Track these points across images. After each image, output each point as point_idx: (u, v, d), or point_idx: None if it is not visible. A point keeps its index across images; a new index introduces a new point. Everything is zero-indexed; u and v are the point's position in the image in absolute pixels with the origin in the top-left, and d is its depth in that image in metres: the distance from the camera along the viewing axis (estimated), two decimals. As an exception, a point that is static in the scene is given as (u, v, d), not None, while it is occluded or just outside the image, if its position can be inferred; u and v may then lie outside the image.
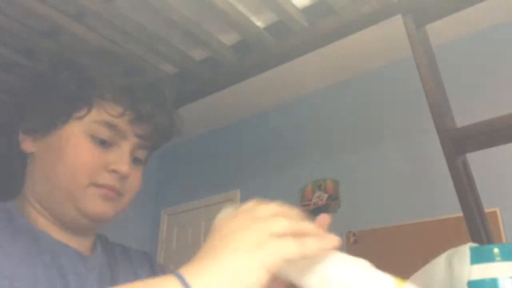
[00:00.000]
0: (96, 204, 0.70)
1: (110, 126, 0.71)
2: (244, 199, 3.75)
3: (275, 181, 3.55)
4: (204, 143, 4.19)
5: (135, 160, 0.75)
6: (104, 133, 0.71)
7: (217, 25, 1.58)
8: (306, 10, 1.53)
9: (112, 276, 0.74)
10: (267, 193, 3.53)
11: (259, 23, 1.59)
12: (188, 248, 3.96)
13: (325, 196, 3.23)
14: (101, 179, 0.70)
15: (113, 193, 0.71)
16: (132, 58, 1.66)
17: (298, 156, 3.50)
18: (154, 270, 0.85)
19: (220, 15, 1.51)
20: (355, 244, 2.95)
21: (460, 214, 1.30)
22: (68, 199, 0.69)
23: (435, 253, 1.13)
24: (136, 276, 0.78)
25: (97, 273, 0.72)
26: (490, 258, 0.80)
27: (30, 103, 0.75)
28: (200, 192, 4.05)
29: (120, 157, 0.72)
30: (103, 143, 0.71)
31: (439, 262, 0.98)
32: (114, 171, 0.71)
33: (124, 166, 0.71)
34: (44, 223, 0.71)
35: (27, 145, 0.73)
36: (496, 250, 0.79)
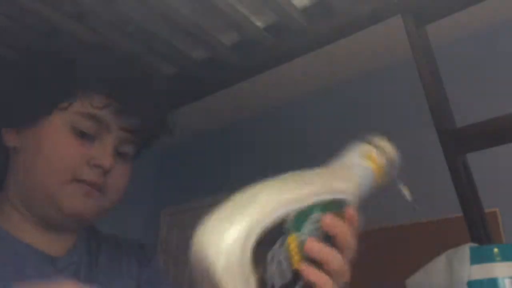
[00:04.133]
0: (76, 202, 0.67)
1: (93, 118, 0.67)
2: (244, 199, 3.75)
3: (275, 181, 3.54)
4: (204, 143, 4.19)
5: (121, 156, 0.72)
6: (87, 125, 0.67)
7: (217, 25, 1.58)
8: (306, 10, 1.53)
9: (90, 274, 0.71)
10: (267, 193, 3.52)
11: (259, 23, 1.59)
12: (188, 249, 3.95)
13: (325, 196, 3.23)
14: (82, 174, 0.66)
15: (94, 189, 0.68)
16: (132, 58, 1.65)
17: (298, 156, 3.50)
18: (150, 263, 0.82)
19: (220, 15, 1.51)
20: (355, 244, 2.95)
21: (460, 214, 1.30)
22: (47, 196, 0.66)
23: (435, 253, 1.13)
24: (120, 273, 0.75)
25: (71, 272, 0.69)
26: (490, 258, 0.80)
27: (13, 94, 0.73)
28: (200, 192, 4.04)
29: (103, 151, 0.68)
30: (86, 136, 0.67)
31: (439, 262, 0.98)
32: (96, 165, 0.67)
33: (106, 160, 0.67)
34: (17, 221, 0.68)
35: (10, 138, 0.70)
36: (496, 250, 0.79)
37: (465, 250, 0.88)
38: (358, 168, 0.48)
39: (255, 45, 1.62)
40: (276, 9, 1.47)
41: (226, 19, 1.52)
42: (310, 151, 3.47)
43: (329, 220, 0.45)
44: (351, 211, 0.48)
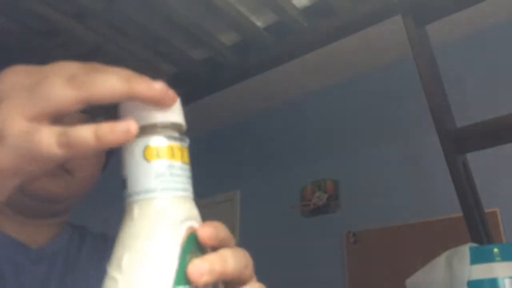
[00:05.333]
0: (42, 183, 0.63)
1: None
2: (244, 199, 3.75)
3: (275, 181, 3.54)
4: (204, 143, 4.19)
5: None
6: None
7: (217, 25, 1.58)
8: (306, 10, 1.53)
9: (66, 268, 0.70)
10: (267, 193, 3.53)
11: (259, 23, 1.59)
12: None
13: (325, 196, 3.23)
14: None
15: (59, 169, 0.64)
16: (131, 58, 1.66)
17: (298, 156, 3.50)
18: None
19: (220, 15, 1.51)
20: (355, 244, 2.95)
21: (460, 214, 1.30)
22: None
23: (435, 253, 1.13)
24: (100, 270, 0.73)
25: (45, 264, 0.68)
26: (490, 258, 0.80)
27: None
28: (200, 192, 4.04)
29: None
30: None
31: (439, 262, 0.98)
32: None
33: None
34: None
35: None
36: (496, 250, 0.79)
37: (465, 250, 0.88)
38: None
39: (255, 45, 1.63)
40: (276, 9, 1.48)
41: (226, 19, 1.52)
42: (310, 151, 3.48)
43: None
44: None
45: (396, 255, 2.69)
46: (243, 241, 3.17)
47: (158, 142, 0.33)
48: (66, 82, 0.32)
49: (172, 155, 0.34)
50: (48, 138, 0.31)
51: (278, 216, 3.36)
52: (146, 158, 0.33)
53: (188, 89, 1.87)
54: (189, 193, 0.35)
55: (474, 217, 1.26)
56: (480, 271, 0.81)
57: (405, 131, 2.99)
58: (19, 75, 0.34)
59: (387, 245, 2.78)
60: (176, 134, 0.35)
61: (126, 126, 0.31)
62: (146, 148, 0.33)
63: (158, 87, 0.33)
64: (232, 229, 3.64)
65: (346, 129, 3.30)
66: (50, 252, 0.70)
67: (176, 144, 0.34)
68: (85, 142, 0.31)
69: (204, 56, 1.75)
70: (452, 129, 1.31)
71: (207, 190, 4.00)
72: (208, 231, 0.34)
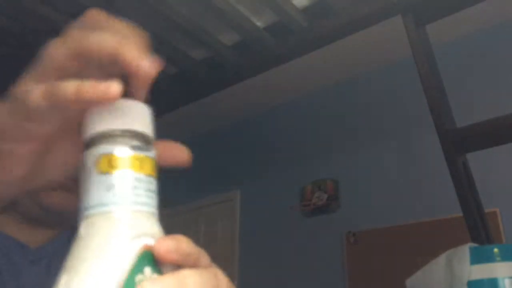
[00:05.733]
0: (51, 196, 0.62)
1: None
2: (244, 199, 3.75)
3: (275, 181, 3.55)
4: (204, 143, 4.19)
5: None
6: None
7: (217, 25, 1.58)
8: (306, 10, 1.53)
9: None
10: (267, 193, 3.53)
11: (259, 23, 1.59)
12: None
13: (325, 196, 3.23)
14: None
15: (75, 184, 0.65)
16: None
17: (298, 156, 3.50)
18: None
19: (220, 15, 1.51)
20: (355, 244, 2.95)
21: (460, 214, 1.30)
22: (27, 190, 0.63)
23: (435, 253, 1.13)
24: None
25: (43, 264, 0.67)
26: (490, 258, 0.80)
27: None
28: (200, 192, 4.05)
29: None
30: None
31: (439, 262, 0.98)
32: None
33: None
34: None
35: None
36: (496, 250, 0.79)
37: (465, 250, 0.88)
38: None
39: (255, 45, 1.63)
40: (276, 9, 1.48)
41: (226, 19, 1.53)
42: (310, 151, 3.48)
43: None
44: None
45: (396, 255, 2.69)
46: (243, 241, 3.18)
47: (113, 150, 0.29)
48: (61, 40, 0.33)
49: (131, 166, 0.30)
50: (37, 92, 0.32)
51: (278, 216, 3.36)
52: (97, 168, 0.29)
53: (188, 89, 1.87)
54: (150, 207, 0.31)
55: (474, 217, 1.26)
56: (480, 271, 0.81)
57: (405, 131, 2.99)
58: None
59: (387, 245, 2.78)
60: (138, 143, 0.30)
61: (108, 85, 0.30)
62: (98, 158, 0.29)
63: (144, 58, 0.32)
64: (232, 229, 3.65)
65: (346, 129, 3.30)
66: (50, 252, 0.70)
67: (137, 154, 0.30)
68: (66, 95, 0.30)
69: (204, 56, 1.75)
70: (452, 129, 1.31)
71: (207, 190, 4.00)
72: (166, 244, 0.29)
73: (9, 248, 0.65)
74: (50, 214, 0.64)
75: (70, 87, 0.31)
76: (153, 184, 0.32)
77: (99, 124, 0.30)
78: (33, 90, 0.32)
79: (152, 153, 0.32)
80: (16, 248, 0.66)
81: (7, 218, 0.67)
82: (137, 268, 0.27)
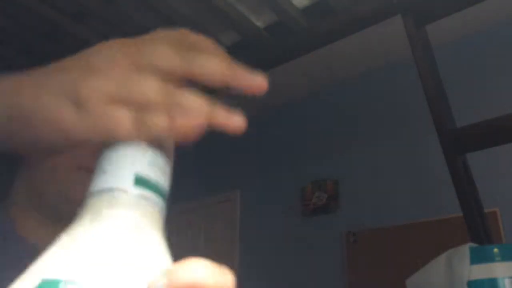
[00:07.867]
0: (82, 190, 0.61)
1: None
2: (244, 199, 3.75)
3: (275, 181, 3.55)
4: (203, 143, 4.19)
5: None
6: None
7: (217, 25, 1.58)
8: (306, 10, 1.53)
9: None
10: (267, 193, 3.53)
11: (259, 23, 1.59)
12: (188, 249, 3.96)
13: (325, 196, 3.23)
14: (88, 162, 0.62)
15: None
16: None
17: (298, 156, 3.50)
18: None
19: (220, 15, 1.51)
20: (355, 244, 2.95)
21: (460, 214, 1.30)
22: (51, 180, 0.62)
23: (435, 253, 1.13)
24: None
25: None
26: (490, 258, 0.80)
27: None
28: (200, 192, 4.05)
29: None
30: None
31: (439, 262, 0.98)
32: None
33: None
34: (24, 221, 0.66)
35: None
36: (496, 250, 0.79)
37: (465, 250, 0.88)
38: None
39: (255, 45, 1.63)
40: (276, 9, 1.48)
41: (226, 19, 1.53)
42: (310, 151, 3.48)
43: None
44: None
45: (396, 255, 2.69)
46: (243, 241, 3.18)
47: None
48: (170, 57, 0.32)
49: None
50: (127, 122, 0.29)
51: (278, 216, 3.36)
52: None
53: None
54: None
55: (474, 217, 1.26)
56: (480, 271, 0.81)
57: (405, 131, 2.99)
58: (115, 48, 0.34)
59: (387, 245, 2.78)
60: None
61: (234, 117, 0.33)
62: None
63: (258, 78, 0.34)
64: (232, 229, 3.65)
65: (346, 129, 3.30)
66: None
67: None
68: (159, 128, 0.30)
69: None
70: (452, 129, 1.31)
71: (207, 190, 4.00)
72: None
73: (9, 242, 0.66)
74: (73, 207, 0.64)
75: (163, 120, 0.30)
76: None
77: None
78: (119, 117, 0.29)
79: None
80: (15, 235, 0.66)
81: (28, 217, 0.67)
82: None
